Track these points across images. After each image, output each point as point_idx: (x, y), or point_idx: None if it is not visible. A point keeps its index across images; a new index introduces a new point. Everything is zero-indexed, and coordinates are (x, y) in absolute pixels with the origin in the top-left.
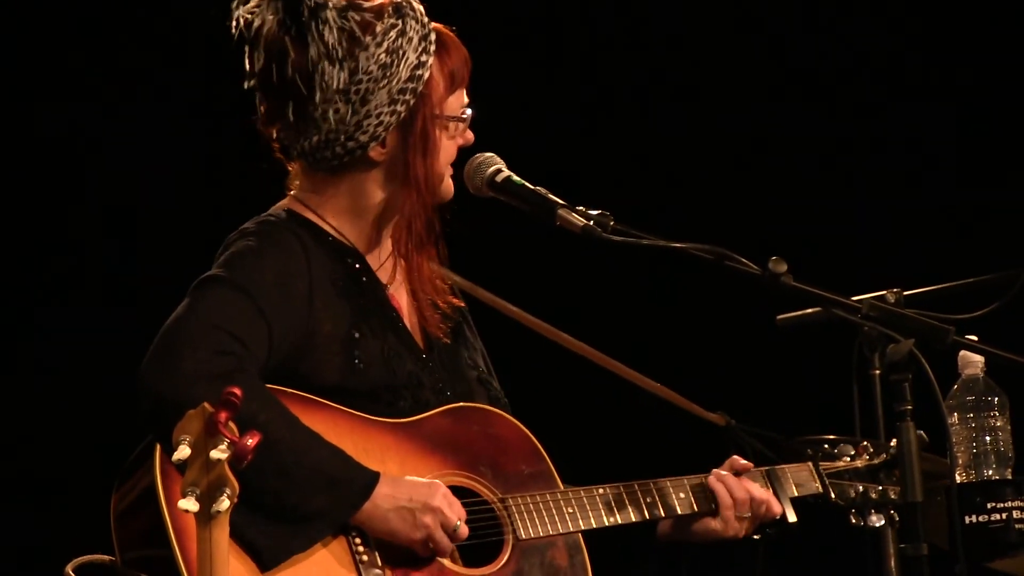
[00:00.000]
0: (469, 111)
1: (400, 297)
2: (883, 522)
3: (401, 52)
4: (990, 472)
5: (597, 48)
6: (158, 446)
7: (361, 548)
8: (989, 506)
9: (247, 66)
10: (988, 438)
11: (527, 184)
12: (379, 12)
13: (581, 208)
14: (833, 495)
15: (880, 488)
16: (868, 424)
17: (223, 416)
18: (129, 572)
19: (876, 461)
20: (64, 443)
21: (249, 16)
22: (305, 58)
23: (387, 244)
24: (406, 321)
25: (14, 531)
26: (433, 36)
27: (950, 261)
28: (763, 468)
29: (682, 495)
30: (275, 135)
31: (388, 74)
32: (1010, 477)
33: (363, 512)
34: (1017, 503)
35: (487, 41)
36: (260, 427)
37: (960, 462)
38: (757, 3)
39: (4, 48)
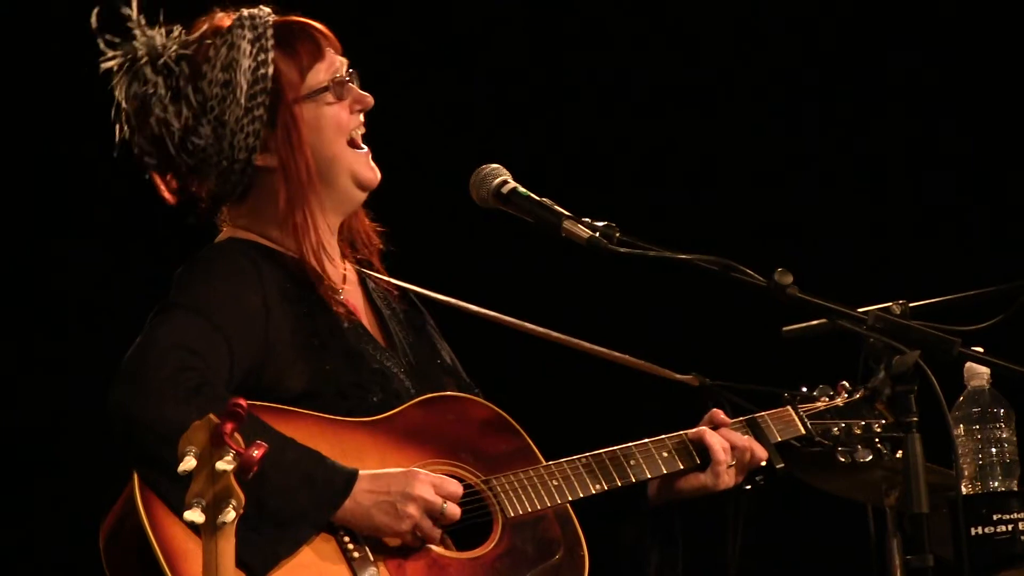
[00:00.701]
0: (341, 74)
1: (355, 299)
2: (871, 456)
3: (235, 63)
4: (996, 484)
5: (601, 49)
6: (135, 475)
7: (351, 546)
8: (995, 517)
9: (134, 148)
10: (994, 449)
11: (533, 195)
12: (202, 40)
13: (587, 219)
14: (816, 435)
15: (863, 423)
16: None
17: (228, 427)
18: None
19: (856, 396)
20: (68, 447)
21: (117, 100)
22: (155, 115)
23: (332, 249)
24: (364, 320)
25: (17, 543)
26: (269, 32)
27: (956, 272)
28: (743, 418)
29: (665, 454)
30: (193, 196)
31: (231, 88)
32: (1016, 488)
33: (345, 510)
34: (1023, 515)
35: (491, 43)
36: None
37: (966, 474)
38: (761, 7)
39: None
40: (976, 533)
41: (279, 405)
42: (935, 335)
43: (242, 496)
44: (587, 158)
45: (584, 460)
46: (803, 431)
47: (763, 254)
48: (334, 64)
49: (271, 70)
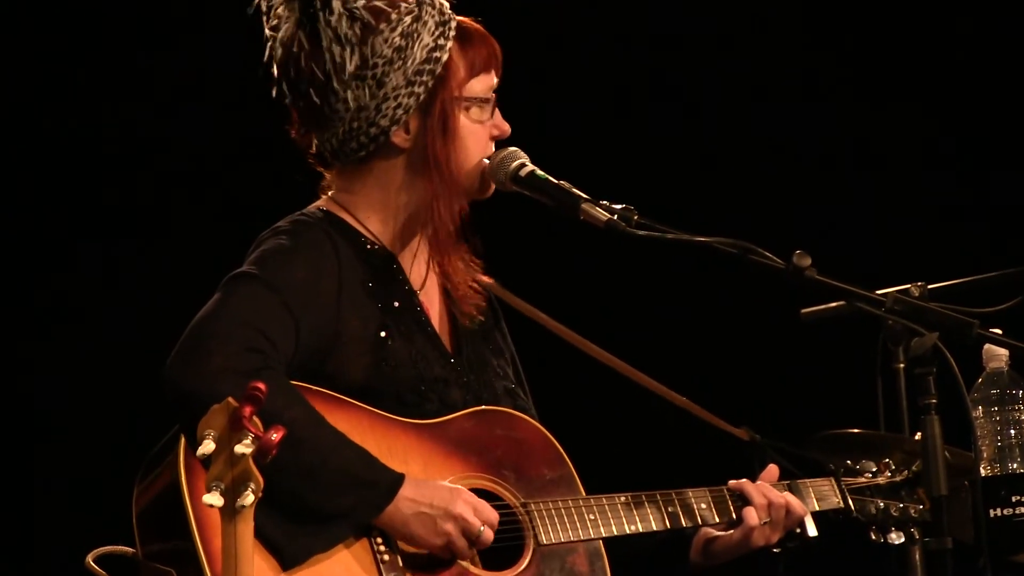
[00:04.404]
0: (493, 94)
1: (431, 302)
2: (903, 540)
3: (416, 35)
4: (1015, 465)
5: (618, 39)
6: (183, 439)
7: (383, 549)
8: (1014, 499)
9: (274, 72)
10: (1013, 431)
11: (551, 178)
12: (393, 2)
13: (605, 202)
14: (854, 510)
15: (901, 505)
16: (892, 418)
17: (247, 411)
18: (150, 564)
19: (898, 478)
20: (90, 435)
21: (271, 22)
22: (319, 49)
23: (420, 248)
24: (436, 325)
25: (36, 522)
26: (453, 24)
27: (975, 254)
28: (785, 482)
29: (703, 505)
30: (310, 142)
31: (403, 56)
32: None
33: (385, 514)
34: None
35: (508, 32)
36: (285, 425)
37: (984, 455)
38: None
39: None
40: (995, 515)
41: (334, 393)
42: (954, 317)
43: (261, 479)
44: (608, 149)
45: (623, 499)
46: (841, 505)
47: (781, 237)
48: (492, 83)
49: (446, 57)
